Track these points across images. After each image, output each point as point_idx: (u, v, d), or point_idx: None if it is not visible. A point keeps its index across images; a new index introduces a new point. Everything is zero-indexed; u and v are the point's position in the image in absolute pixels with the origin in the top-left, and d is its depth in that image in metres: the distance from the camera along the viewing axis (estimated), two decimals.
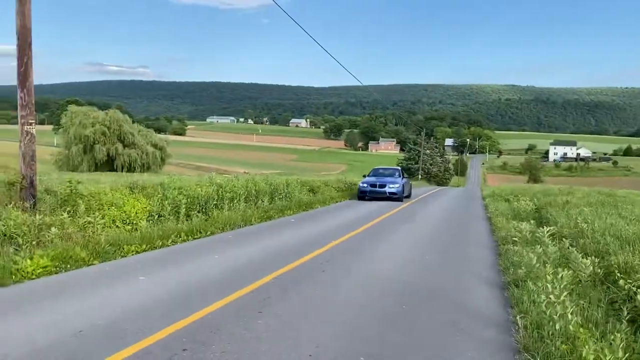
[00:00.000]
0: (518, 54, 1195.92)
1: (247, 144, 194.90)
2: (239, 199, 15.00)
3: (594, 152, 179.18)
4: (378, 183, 22.99)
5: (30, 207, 8.94)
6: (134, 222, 10.64)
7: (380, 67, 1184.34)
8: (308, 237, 11.61)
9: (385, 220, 15.64)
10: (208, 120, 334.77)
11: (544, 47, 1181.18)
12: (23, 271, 7.03)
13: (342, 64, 28.16)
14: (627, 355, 4.27)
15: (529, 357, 4.58)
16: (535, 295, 5.97)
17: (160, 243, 9.79)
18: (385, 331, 5.34)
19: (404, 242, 11.78)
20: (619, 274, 6.24)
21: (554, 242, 9.15)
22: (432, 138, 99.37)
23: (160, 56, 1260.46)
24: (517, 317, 5.57)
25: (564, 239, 9.36)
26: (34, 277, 7.05)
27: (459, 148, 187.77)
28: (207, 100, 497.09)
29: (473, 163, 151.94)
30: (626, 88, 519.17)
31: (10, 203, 8.70)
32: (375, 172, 25.41)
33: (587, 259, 7.23)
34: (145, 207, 11.32)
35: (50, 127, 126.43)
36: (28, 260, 7.24)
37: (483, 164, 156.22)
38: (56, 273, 7.37)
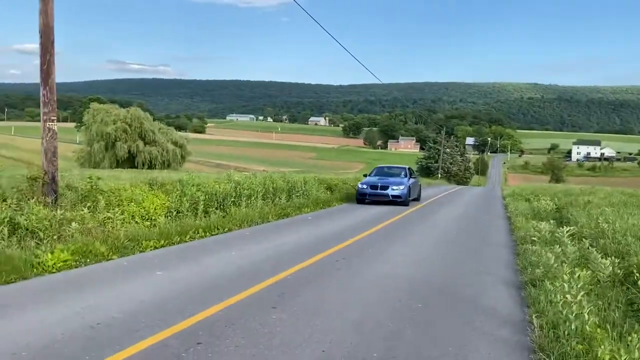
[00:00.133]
0: (541, 52, 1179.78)
1: (266, 142, 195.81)
2: (257, 196, 15.09)
3: (619, 152, 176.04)
4: (379, 184, 19.79)
5: (51, 202, 9.12)
6: (153, 218, 10.78)
7: (400, 65, 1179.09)
8: (324, 235, 11.63)
9: (400, 220, 15.58)
10: (228, 118, 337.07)
11: (567, 44, 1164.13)
12: (44, 265, 7.18)
13: (361, 62, 27.72)
14: None
15: (544, 356, 4.53)
16: (553, 295, 5.90)
17: (178, 239, 9.90)
18: (400, 328, 5.33)
19: (423, 241, 11.73)
20: (638, 275, 6.13)
21: (573, 242, 9.04)
22: (452, 137, 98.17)
23: (181, 54, 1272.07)
24: (533, 317, 5.51)
25: (584, 239, 9.23)
26: (54, 270, 7.19)
27: (480, 147, 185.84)
28: (226, 98, 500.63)
29: (494, 162, 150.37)
30: None
31: (33, 198, 8.88)
32: (379, 171, 22.23)
33: (606, 259, 7.13)
34: (164, 204, 11.46)
35: (73, 124, 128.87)
36: (49, 254, 7.39)
37: (504, 163, 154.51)
38: (76, 267, 7.51)
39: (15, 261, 6.93)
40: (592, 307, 5.27)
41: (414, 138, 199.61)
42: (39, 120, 9.73)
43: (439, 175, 71.51)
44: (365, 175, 22.42)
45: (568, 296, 5.27)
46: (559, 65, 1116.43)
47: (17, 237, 7.89)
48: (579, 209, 14.50)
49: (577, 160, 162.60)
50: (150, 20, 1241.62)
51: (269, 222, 13.49)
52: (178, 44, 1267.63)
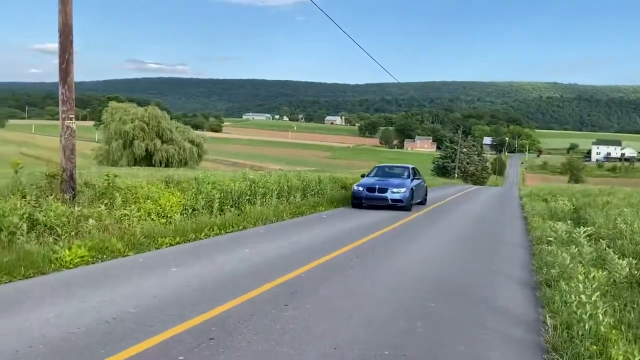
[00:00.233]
0: (560, 51, 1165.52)
1: (282, 140, 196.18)
2: (271, 195, 15.16)
3: None
4: (377, 186, 17.15)
5: (69, 199, 9.26)
6: (169, 215, 10.90)
7: (416, 64, 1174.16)
8: (338, 233, 11.64)
9: (415, 219, 15.52)
10: (244, 117, 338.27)
11: (586, 43, 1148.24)
12: (62, 260, 7.31)
13: (377, 61, 27.58)
14: None
15: (557, 356, 4.50)
16: (567, 296, 5.85)
17: (194, 236, 10.00)
18: (412, 327, 5.33)
19: (437, 240, 11.69)
20: None
21: (590, 243, 8.93)
22: (469, 136, 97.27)
23: (198, 54, 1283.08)
24: (547, 317, 5.47)
25: (601, 240, 9.11)
26: (71, 266, 7.32)
27: (498, 147, 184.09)
28: (243, 97, 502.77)
29: (512, 162, 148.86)
30: None
31: (51, 195, 9.03)
32: (378, 171, 19.47)
33: (623, 260, 7.04)
34: (180, 201, 11.57)
35: (91, 123, 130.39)
36: (66, 250, 7.53)
37: (522, 163, 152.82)
38: (93, 263, 7.63)
39: (34, 257, 7.07)
40: (607, 308, 5.21)
41: (431, 137, 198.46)
42: (58, 119, 9.88)
43: (456, 175, 70.98)
44: (363, 176, 19.40)
45: (582, 296, 5.22)
46: (578, 64, 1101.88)
47: (35, 233, 8.04)
48: (597, 210, 14.32)
49: (597, 160, 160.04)
50: (168, 20, 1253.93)
51: (283, 220, 13.55)
52: (195, 43, 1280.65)
